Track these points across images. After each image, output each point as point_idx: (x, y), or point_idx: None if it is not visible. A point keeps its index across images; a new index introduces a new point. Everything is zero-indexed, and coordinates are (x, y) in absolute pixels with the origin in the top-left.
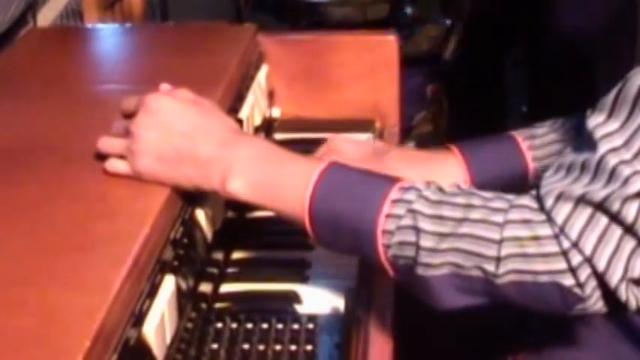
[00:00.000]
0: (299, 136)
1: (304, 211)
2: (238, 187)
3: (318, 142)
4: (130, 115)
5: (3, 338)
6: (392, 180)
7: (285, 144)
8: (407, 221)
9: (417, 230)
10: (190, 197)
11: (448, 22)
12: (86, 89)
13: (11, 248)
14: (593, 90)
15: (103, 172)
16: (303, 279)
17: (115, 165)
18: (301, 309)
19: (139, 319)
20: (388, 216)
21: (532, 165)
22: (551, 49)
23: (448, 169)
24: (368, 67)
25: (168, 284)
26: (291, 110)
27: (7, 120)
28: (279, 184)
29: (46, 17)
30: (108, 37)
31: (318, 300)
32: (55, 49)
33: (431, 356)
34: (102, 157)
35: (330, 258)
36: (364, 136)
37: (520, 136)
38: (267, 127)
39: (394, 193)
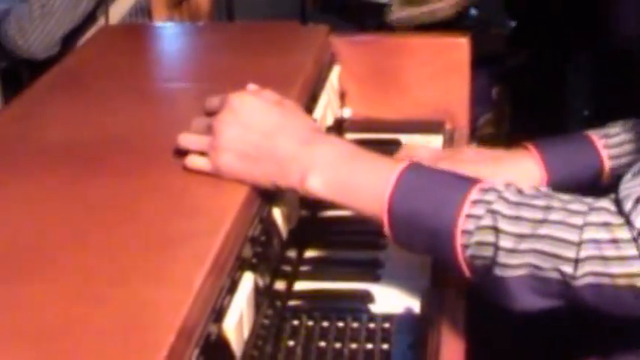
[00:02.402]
0: (369, 137)
1: (383, 209)
2: (317, 185)
3: (388, 143)
4: (211, 113)
5: (89, 332)
6: (472, 181)
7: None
8: (486, 221)
9: (496, 231)
10: (268, 195)
11: (512, 23)
12: (159, 87)
13: (95, 244)
14: None
15: (182, 169)
16: (376, 278)
17: (195, 161)
18: (374, 308)
19: (219, 315)
20: (468, 216)
21: (608, 163)
22: (613, 53)
23: (525, 166)
24: (439, 69)
25: (247, 281)
26: (362, 111)
27: (82, 116)
28: (359, 182)
29: (114, 15)
30: (180, 35)
31: (391, 299)
32: (127, 47)
33: (495, 357)
34: (180, 153)
35: (402, 258)
36: (435, 138)
37: (595, 135)
38: (337, 128)
39: (474, 194)
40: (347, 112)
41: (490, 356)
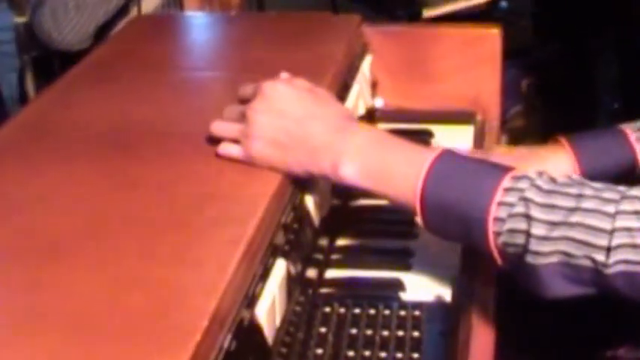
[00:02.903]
0: (400, 127)
1: (416, 197)
2: (350, 173)
3: (419, 133)
4: (244, 101)
5: (122, 314)
6: (504, 169)
7: None
8: (519, 209)
9: (528, 218)
10: (300, 183)
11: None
12: (190, 76)
13: (128, 230)
14: None
15: (215, 156)
16: (407, 267)
17: (228, 149)
18: (405, 296)
19: (252, 301)
20: (500, 204)
21: None
22: None
23: (557, 161)
24: (471, 59)
25: (280, 268)
26: (393, 101)
27: (115, 105)
28: (392, 170)
29: (146, 7)
30: (211, 25)
31: (422, 288)
32: (159, 37)
33: (529, 344)
34: (213, 141)
35: (433, 247)
36: (466, 129)
37: (629, 129)
38: (369, 117)
39: (507, 182)
40: (379, 102)
41: (520, 344)
